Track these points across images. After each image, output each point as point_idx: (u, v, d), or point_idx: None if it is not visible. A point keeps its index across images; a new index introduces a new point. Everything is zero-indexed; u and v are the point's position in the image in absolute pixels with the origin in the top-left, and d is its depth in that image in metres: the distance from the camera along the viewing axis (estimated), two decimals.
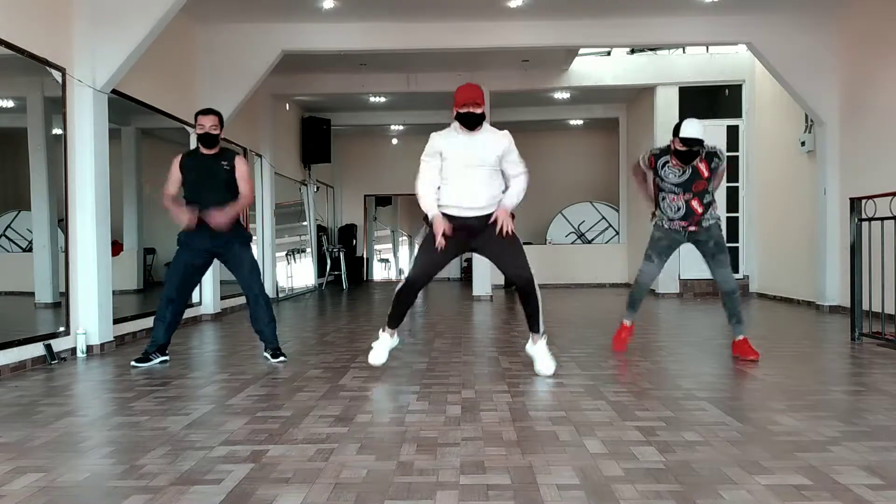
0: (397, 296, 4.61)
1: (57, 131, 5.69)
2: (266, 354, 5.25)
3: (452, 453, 2.89)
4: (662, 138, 11.25)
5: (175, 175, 5.11)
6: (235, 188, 5.11)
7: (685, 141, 4.82)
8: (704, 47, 10.91)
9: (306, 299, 11.55)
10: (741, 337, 5.06)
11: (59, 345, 5.40)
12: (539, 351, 4.61)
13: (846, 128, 8.22)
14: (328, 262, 14.25)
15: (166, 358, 5.20)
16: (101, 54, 5.77)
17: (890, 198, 5.37)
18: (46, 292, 5.94)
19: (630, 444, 2.99)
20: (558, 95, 12.51)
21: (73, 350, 5.52)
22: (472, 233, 4.47)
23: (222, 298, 8.66)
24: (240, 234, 5.23)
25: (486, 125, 4.42)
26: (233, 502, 2.41)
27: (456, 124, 4.39)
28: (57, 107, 5.62)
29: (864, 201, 5.80)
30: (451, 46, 8.76)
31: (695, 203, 4.94)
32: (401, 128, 15.01)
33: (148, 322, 6.78)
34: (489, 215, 4.44)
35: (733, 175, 11.14)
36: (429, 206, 4.45)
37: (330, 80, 11.11)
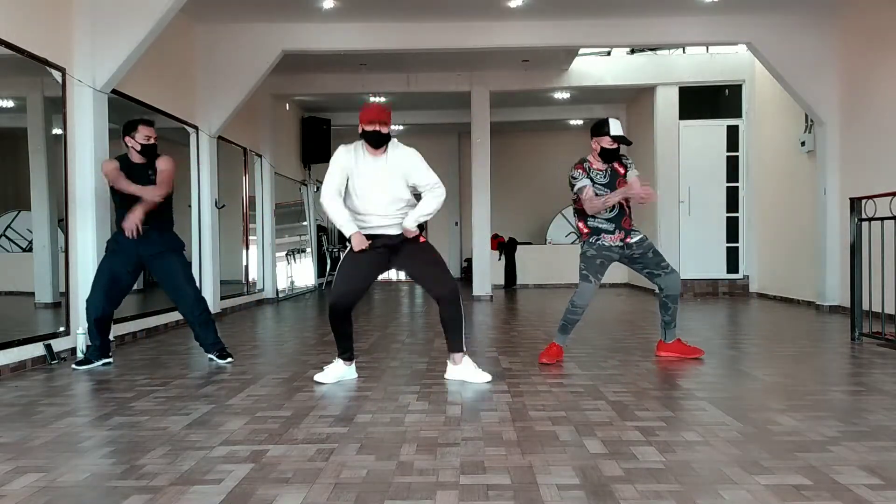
0: (331, 323, 4.45)
1: (57, 131, 5.70)
2: (212, 356, 5.23)
3: (452, 453, 2.89)
4: (663, 138, 11.28)
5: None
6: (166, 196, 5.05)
7: (617, 139, 4.87)
8: (704, 47, 10.90)
9: (306, 299, 11.55)
10: (677, 338, 5.21)
11: (59, 345, 5.40)
12: (466, 370, 4.40)
13: (846, 128, 8.23)
14: (328, 262, 14.25)
15: (110, 360, 5.19)
16: (101, 54, 5.77)
17: (890, 198, 5.38)
18: (46, 292, 5.95)
19: (630, 444, 2.99)
20: (558, 95, 12.51)
21: (73, 350, 5.51)
22: (392, 249, 4.37)
23: (222, 298, 8.67)
24: (170, 242, 5.15)
25: (393, 142, 4.30)
26: (233, 502, 2.41)
27: (362, 142, 4.28)
28: (57, 107, 5.62)
29: (864, 201, 5.80)
30: (451, 46, 8.76)
31: (623, 201, 4.96)
32: (400, 128, 15.00)
33: (148, 322, 6.81)
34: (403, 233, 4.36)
35: (733, 175, 11.16)
36: (344, 223, 4.28)
37: (330, 80, 11.10)
